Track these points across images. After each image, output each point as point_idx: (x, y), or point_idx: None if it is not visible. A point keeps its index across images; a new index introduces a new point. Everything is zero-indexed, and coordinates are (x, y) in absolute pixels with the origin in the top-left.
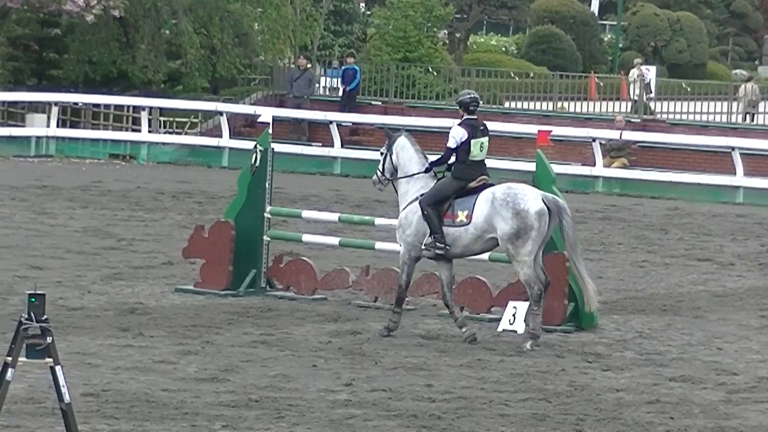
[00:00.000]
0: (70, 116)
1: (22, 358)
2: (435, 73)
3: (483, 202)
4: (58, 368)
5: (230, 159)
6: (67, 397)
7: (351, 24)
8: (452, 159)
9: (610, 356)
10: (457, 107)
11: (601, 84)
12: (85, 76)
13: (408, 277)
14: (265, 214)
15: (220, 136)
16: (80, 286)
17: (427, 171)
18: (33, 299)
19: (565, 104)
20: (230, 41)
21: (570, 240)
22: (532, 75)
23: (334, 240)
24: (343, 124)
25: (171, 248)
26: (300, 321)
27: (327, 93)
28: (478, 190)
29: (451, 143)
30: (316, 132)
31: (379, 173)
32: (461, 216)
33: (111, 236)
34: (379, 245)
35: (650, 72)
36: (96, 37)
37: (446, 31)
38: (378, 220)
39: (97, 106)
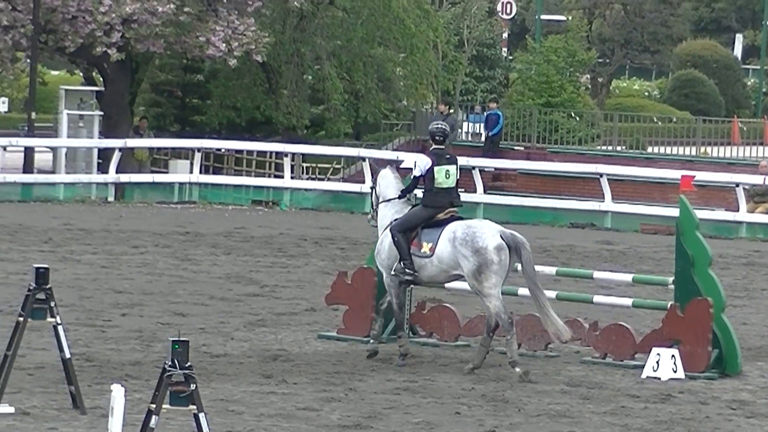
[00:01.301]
0: (213, 162)
1: (166, 405)
2: (577, 118)
3: (445, 239)
4: (201, 415)
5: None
6: None
7: (493, 69)
8: (420, 188)
9: (754, 403)
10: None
11: (745, 129)
12: (229, 122)
13: (398, 299)
14: None
15: (362, 181)
16: (223, 333)
17: (400, 197)
18: (176, 346)
19: (708, 149)
20: (374, 86)
21: (529, 273)
22: (674, 119)
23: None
24: (486, 169)
25: (314, 294)
26: (443, 368)
27: (469, 138)
28: (444, 223)
29: (416, 172)
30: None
31: (371, 209)
32: (425, 247)
33: (254, 283)
34: (521, 291)
35: None
36: (239, 82)
37: (588, 76)
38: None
39: (240, 151)
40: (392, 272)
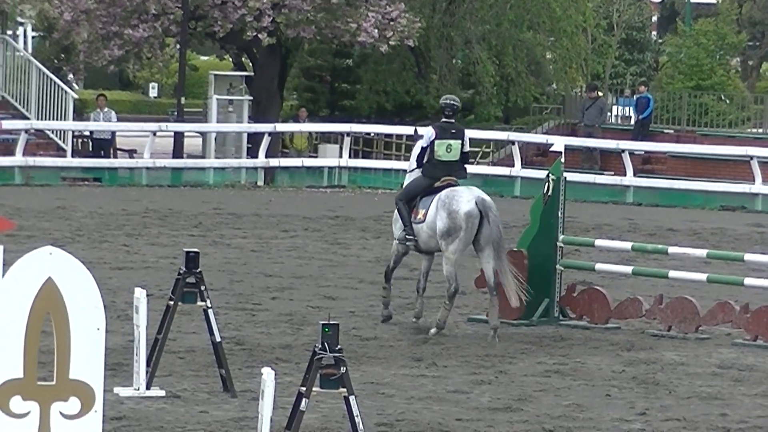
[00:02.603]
0: (363, 146)
1: (316, 388)
2: (728, 101)
3: (434, 202)
4: (351, 398)
5: (522, 188)
6: (361, 427)
7: (643, 52)
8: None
9: None
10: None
11: None
12: (378, 106)
13: (395, 263)
14: (558, 243)
15: (512, 165)
16: (373, 316)
17: (417, 167)
18: (327, 329)
19: None
20: (524, 70)
21: (492, 237)
22: None
23: (627, 269)
24: (636, 152)
25: (464, 278)
26: (593, 350)
27: (619, 122)
28: (440, 190)
29: (421, 142)
30: (609, 161)
31: None
32: (420, 214)
33: (404, 266)
34: (672, 274)
35: None
36: (389, 67)
37: (739, 59)
38: (671, 249)
39: (389, 136)
40: (396, 239)
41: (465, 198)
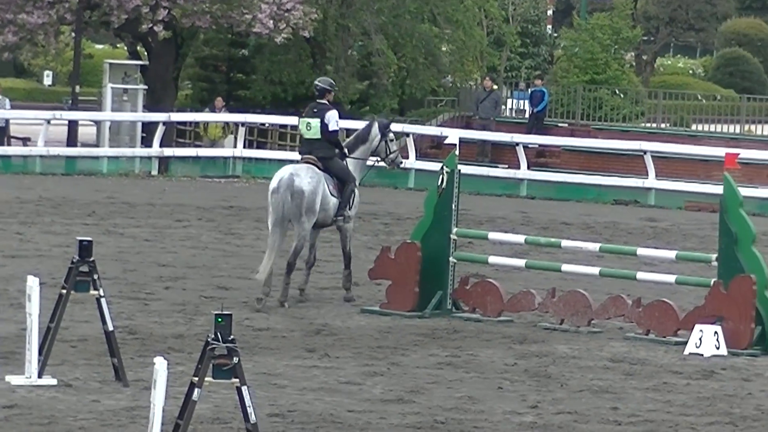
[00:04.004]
0: (257, 137)
1: (208, 378)
2: (622, 96)
3: None
4: (244, 389)
5: (417, 180)
6: (253, 418)
7: (538, 46)
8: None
9: None
10: None
11: None
12: (274, 97)
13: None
14: (452, 236)
15: (406, 157)
16: (267, 307)
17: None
18: (220, 320)
19: (753, 127)
20: (423, 62)
21: (285, 214)
22: (719, 98)
23: (520, 262)
24: (530, 145)
25: (357, 269)
26: (486, 343)
27: (514, 115)
28: None
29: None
30: (503, 154)
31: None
32: None
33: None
34: (565, 267)
35: None
36: (284, 57)
37: (633, 54)
38: (564, 243)
39: (284, 126)
40: None
41: (278, 175)
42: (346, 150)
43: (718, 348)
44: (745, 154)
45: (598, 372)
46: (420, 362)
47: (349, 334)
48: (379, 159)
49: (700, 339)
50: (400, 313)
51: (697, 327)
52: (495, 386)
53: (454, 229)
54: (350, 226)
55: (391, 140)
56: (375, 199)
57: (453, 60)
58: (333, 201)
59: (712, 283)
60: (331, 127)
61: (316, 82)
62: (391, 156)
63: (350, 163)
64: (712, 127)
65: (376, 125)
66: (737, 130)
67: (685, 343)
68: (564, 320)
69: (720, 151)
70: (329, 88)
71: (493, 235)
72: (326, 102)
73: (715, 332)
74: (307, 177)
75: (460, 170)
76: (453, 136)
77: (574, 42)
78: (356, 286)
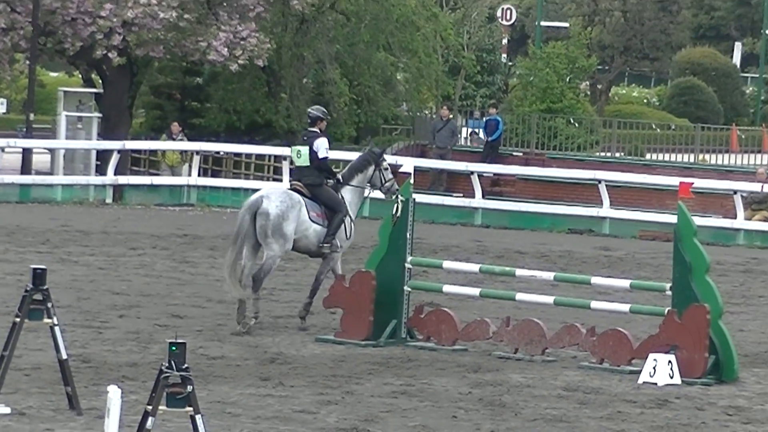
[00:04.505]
0: (212, 165)
1: (162, 407)
2: (577, 125)
3: None
4: (198, 417)
5: (371, 209)
6: None
7: (493, 75)
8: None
9: (750, 409)
10: None
11: (743, 136)
12: (228, 125)
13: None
14: (406, 265)
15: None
16: (221, 335)
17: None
18: (174, 348)
19: (707, 156)
20: (379, 90)
21: (237, 231)
22: (673, 127)
23: (475, 291)
24: (485, 174)
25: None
26: (440, 372)
27: (469, 143)
28: None
29: None
30: (458, 182)
31: None
32: None
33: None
34: (520, 296)
35: None
36: (239, 85)
37: (588, 83)
38: (519, 271)
39: (239, 155)
40: None
41: (251, 198)
42: (341, 178)
43: (672, 377)
44: (699, 183)
45: (553, 401)
46: (374, 391)
47: (303, 362)
48: (372, 189)
49: (654, 368)
50: (355, 342)
51: (651, 356)
52: (449, 415)
53: (409, 258)
54: (337, 256)
55: (385, 169)
56: None
57: (409, 88)
58: (315, 228)
59: (666, 312)
60: (321, 154)
61: (308, 110)
62: (387, 185)
63: (348, 192)
64: (667, 156)
65: (369, 156)
66: (691, 160)
67: (639, 372)
68: (518, 349)
69: (674, 181)
70: (321, 116)
71: (447, 264)
72: (317, 130)
73: (669, 361)
74: (277, 200)
75: (414, 199)
76: (408, 164)
77: (530, 71)
78: (311, 315)
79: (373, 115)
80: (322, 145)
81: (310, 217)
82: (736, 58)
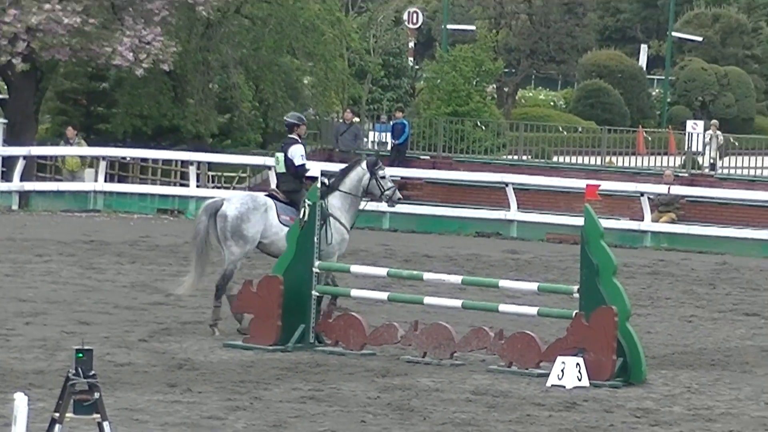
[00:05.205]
0: (118, 171)
1: (69, 414)
2: (484, 128)
3: None
4: (105, 424)
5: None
6: None
7: (400, 78)
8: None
9: (658, 411)
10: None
11: (650, 138)
12: (135, 130)
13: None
14: (314, 269)
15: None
16: (128, 342)
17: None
18: (80, 355)
19: (614, 159)
20: (283, 94)
21: (194, 233)
22: (580, 129)
23: (383, 295)
24: (392, 178)
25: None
26: (349, 376)
27: (376, 147)
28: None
29: None
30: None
31: None
32: None
33: (159, 291)
34: (428, 300)
35: (698, 127)
36: (145, 90)
37: (495, 86)
38: (427, 275)
39: (145, 160)
40: None
41: (209, 201)
42: (326, 182)
43: (580, 380)
44: (606, 185)
45: (461, 405)
46: (283, 396)
47: (211, 368)
48: (373, 199)
49: (562, 371)
50: (263, 347)
51: (559, 359)
52: (358, 420)
53: (317, 263)
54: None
55: (383, 177)
56: None
57: (315, 92)
58: (286, 232)
59: (573, 314)
60: (296, 161)
61: (285, 117)
62: (388, 193)
63: (336, 198)
64: (574, 159)
65: (363, 163)
66: (598, 162)
67: (548, 374)
68: (427, 353)
69: (581, 183)
70: (297, 123)
71: (355, 268)
72: (295, 136)
73: (577, 364)
74: (237, 203)
75: (323, 203)
76: (315, 169)
77: (436, 74)
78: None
79: (278, 120)
80: (297, 152)
81: (281, 221)
82: (642, 61)
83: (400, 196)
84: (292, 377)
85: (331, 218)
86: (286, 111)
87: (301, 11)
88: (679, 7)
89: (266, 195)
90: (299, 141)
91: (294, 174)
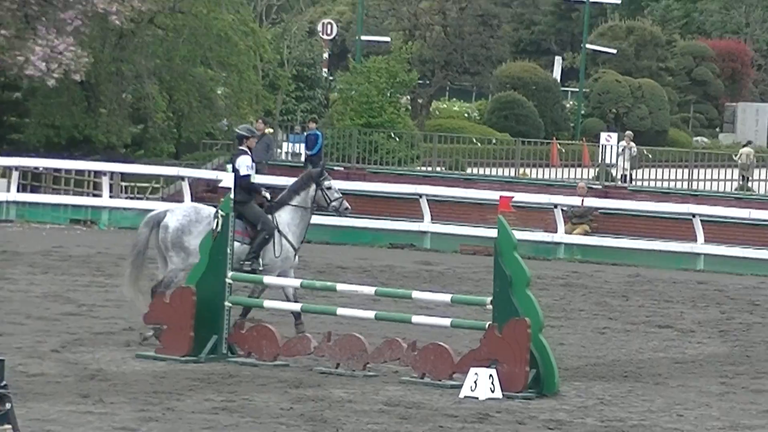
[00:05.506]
0: (31, 181)
1: None
2: (397, 139)
3: None
4: None
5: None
6: None
7: (313, 89)
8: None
9: (571, 423)
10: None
11: (564, 150)
12: (48, 140)
13: None
14: (227, 280)
15: (181, 201)
16: (40, 352)
17: None
18: None
19: (528, 170)
20: (197, 105)
21: (134, 242)
22: (494, 141)
23: (296, 306)
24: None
25: (132, 314)
26: (261, 387)
27: (289, 158)
28: None
29: None
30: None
31: None
32: None
33: (71, 302)
34: (341, 311)
35: (612, 139)
36: (58, 100)
37: (409, 97)
38: (340, 286)
39: (58, 170)
40: None
41: (152, 212)
42: (268, 197)
43: (493, 391)
44: (520, 197)
45: (374, 416)
46: (195, 407)
47: (124, 379)
48: (320, 210)
49: (475, 382)
50: (176, 358)
51: (473, 370)
52: (271, 431)
53: (230, 273)
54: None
55: (329, 188)
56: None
57: (228, 103)
58: (234, 245)
59: (486, 326)
60: (241, 172)
61: (235, 129)
62: (334, 204)
63: (286, 212)
64: (488, 171)
65: (309, 176)
66: (512, 174)
67: (461, 386)
68: (340, 364)
69: (495, 195)
70: (246, 135)
71: (269, 279)
72: (245, 148)
73: (490, 375)
74: (179, 214)
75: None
76: (228, 179)
77: (350, 85)
78: (131, 331)
79: (191, 131)
80: (243, 163)
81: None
82: (557, 73)
83: (348, 206)
84: (204, 388)
85: (278, 232)
86: (199, 121)
87: (214, 22)
88: (594, 20)
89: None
90: (248, 153)
91: (239, 185)
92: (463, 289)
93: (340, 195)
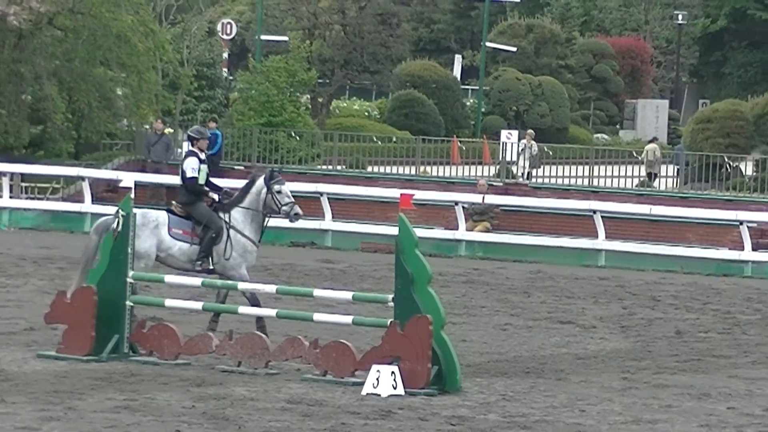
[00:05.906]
0: None
1: None
2: (298, 138)
3: None
4: None
5: (92, 224)
6: None
7: (214, 89)
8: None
9: (473, 419)
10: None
11: (464, 148)
12: None
13: None
14: (128, 279)
15: (82, 201)
16: None
17: None
18: None
19: (428, 168)
20: (97, 105)
21: (84, 250)
22: (394, 139)
23: (197, 305)
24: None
25: (33, 314)
26: (163, 386)
27: None
28: None
29: None
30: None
31: None
32: None
33: None
34: (242, 309)
35: (512, 136)
36: None
37: (309, 96)
38: (241, 285)
39: None
40: None
41: (100, 219)
42: (219, 199)
43: (395, 388)
44: (421, 195)
45: (276, 414)
46: (97, 406)
47: (24, 378)
48: (272, 214)
49: (378, 379)
50: (77, 358)
51: (375, 367)
52: (173, 429)
53: (131, 273)
54: (234, 274)
55: (278, 192)
56: (50, 243)
57: (128, 103)
58: (181, 246)
59: (388, 323)
60: (188, 174)
61: (188, 131)
62: (285, 209)
63: (239, 213)
64: (388, 169)
65: (260, 179)
66: (413, 172)
67: (363, 383)
68: (242, 362)
69: (396, 193)
70: (196, 137)
71: (170, 278)
72: (195, 150)
73: (392, 372)
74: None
75: (135, 213)
76: (128, 179)
77: (250, 84)
78: (32, 331)
79: (91, 131)
80: (189, 165)
81: (171, 235)
82: (457, 71)
83: (299, 212)
84: (106, 387)
85: (232, 231)
86: (99, 122)
87: (114, 23)
88: (493, 18)
89: (166, 209)
90: (196, 155)
91: (186, 187)
92: (364, 287)
93: (292, 200)
